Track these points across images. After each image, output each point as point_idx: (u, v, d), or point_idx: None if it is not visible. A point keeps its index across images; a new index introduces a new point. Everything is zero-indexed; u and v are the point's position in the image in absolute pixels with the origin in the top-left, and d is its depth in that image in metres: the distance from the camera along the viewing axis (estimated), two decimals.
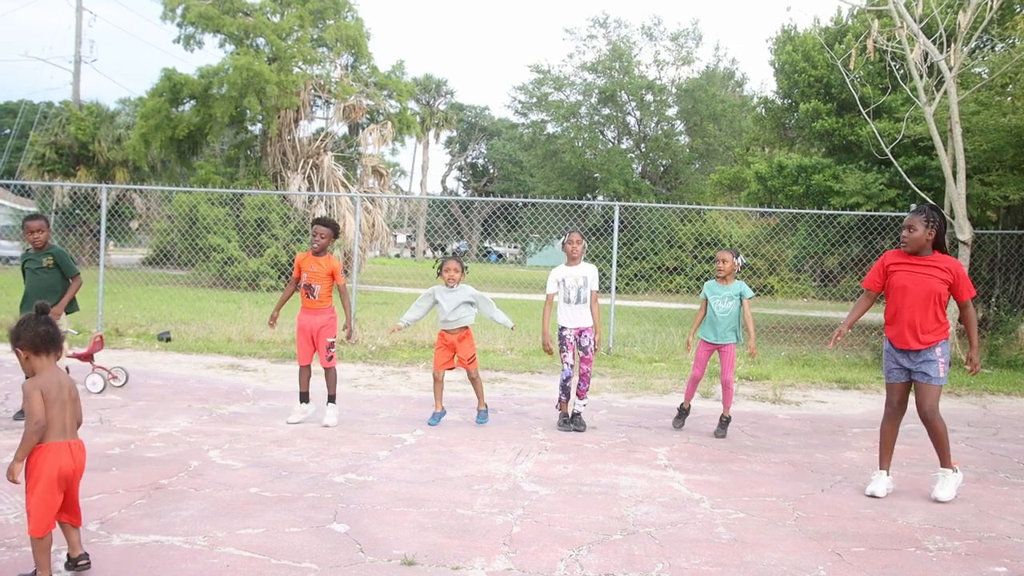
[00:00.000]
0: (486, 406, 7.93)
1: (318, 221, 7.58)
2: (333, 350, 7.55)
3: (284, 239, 24.90)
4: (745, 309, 7.67)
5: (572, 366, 7.69)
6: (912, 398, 5.95)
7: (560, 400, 7.79)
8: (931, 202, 13.30)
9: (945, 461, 5.86)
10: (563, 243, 7.87)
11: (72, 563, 4.00)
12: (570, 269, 7.70)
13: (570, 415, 7.75)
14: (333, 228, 7.60)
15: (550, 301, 7.82)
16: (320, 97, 28.96)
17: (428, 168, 63.79)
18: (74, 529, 4.01)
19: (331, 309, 7.57)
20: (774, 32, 20.75)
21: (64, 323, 7.57)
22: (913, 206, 12.86)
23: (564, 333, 7.68)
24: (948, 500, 5.74)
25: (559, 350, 7.75)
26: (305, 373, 7.54)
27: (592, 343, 7.69)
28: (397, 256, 64.12)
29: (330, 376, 7.55)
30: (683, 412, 7.93)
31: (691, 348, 7.80)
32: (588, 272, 7.70)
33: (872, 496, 5.81)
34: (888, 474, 5.97)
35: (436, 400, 7.83)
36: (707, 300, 7.71)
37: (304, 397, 7.56)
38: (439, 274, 7.90)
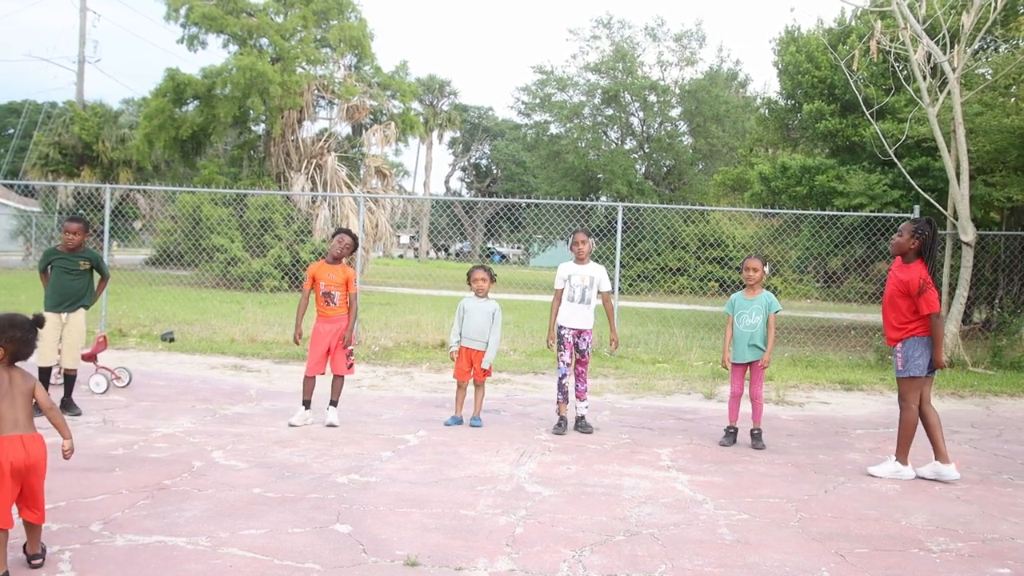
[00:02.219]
0: (480, 413, 7.92)
1: (343, 231, 7.68)
2: (352, 358, 7.66)
3: (288, 239, 24.91)
4: (770, 324, 7.30)
5: (568, 365, 7.68)
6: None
7: (558, 400, 7.78)
8: (937, 206, 13.32)
9: (899, 454, 6.39)
10: (570, 244, 7.84)
11: (27, 559, 3.99)
12: (578, 267, 7.69)
13: (573, 420, 7.73)
14: (355, 240, 7.72)
15: (559, 297, 7.74)
16: (323, 97, 28.97)
17: (431, 169, 63.79)
18: (35, 527, 4.00)
19: (348, 317, 7.62)
20: (777, 33, 20.75)
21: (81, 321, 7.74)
22: (917, 208, 12.88)
23: (563, 332, 7.66)
24: (879, 476, 6.31)
25: (557, 348, 7.74)
26: (311, 383, 7.57)
27: (589, 346, 7.67)
28: (400, 257, 64.14)
29: (339, 383, 7.61)
30: (730, 432, 7.46)
31: (728, 365, 7.45)
32: (596, 272, 7.67)
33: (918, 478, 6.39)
34: (941, 461, 6.38)
35: (457, 406, 7.87)
36: (732, 318, 7.44)
37: (308, 404, 7.59)
38: (469, 283, 7.91)
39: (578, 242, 7.70)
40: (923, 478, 6.35)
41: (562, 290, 7.70)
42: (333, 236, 7.70)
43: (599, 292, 7.70)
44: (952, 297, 13.03)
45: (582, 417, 7.68)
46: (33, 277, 25.25)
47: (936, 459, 6.38)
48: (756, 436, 7.36)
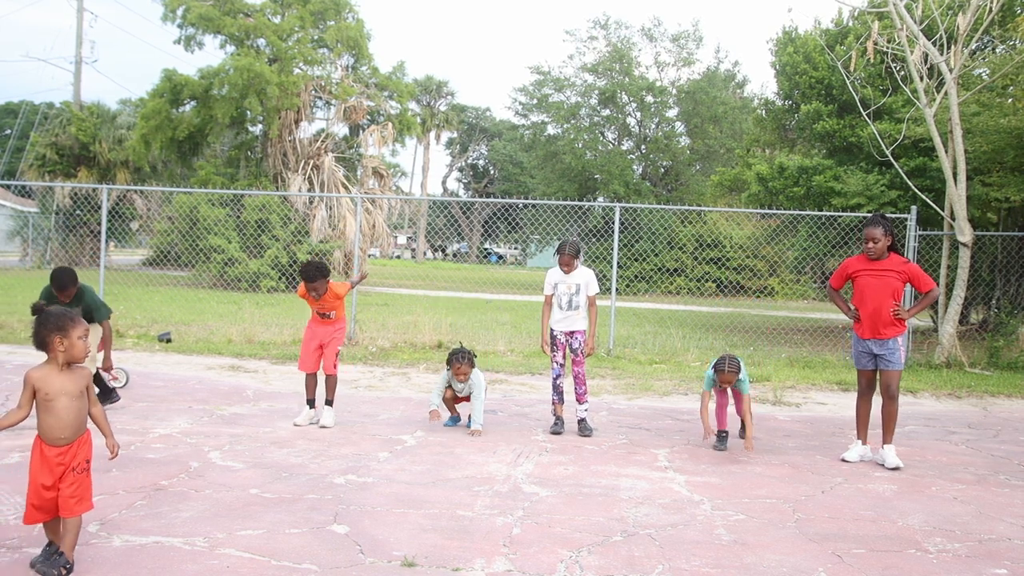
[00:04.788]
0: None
1: (308, 271, 7.29)
2: (337, 358, 7.66)
3: (285, 240, 24.91)
4: (745, 402, 7.05)
5: (562, 365, 7.67)
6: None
7: (553, 401, 7.76)
8: (934, 206, 13.35)
9: (890, 439, 6.85)
10: (556, 257, 7.69)
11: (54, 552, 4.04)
12: (564, 275, 7.61)
13: (574, 423, 7.71)
14: (324, 272, 7.37)
15: (548, 302, 7.70)
16: (321, 98, 28.97)
17: (429, 169, 63.76)
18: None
19: (342, 319, 7.68)
20: (775, 34, 20.75)
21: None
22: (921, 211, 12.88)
23: (555, 334, 7.66)
24: (897, 466, 6.64)
25: (551, 350, 7.73)
26: (312, 380, 7.60)
27: (582, 345, 7.61)
28: (398, 257, 64.12)
29: (332, 382, 7.60)
30: (722, 436, 7.31)
31: (708, 436, 7.03)
32: (582, 279, 7.56)
33: (843, 461, 6.84)
34: (864, 444, 6.98)
35: (450, 411, 7.85)
36: (708, 393, 7.22)
37: (312, 403, 7.58)
38: (448, 366, 7.61)
39: (563, 264, 7.52)
40: (847, 460, 6.88)
41: (551, 295, 7.67)
42: (303, 281, 7.31)
43: (588, 296, 7.61)
44: (949, 298, 13.04)
45: (583, 420, 7.63)
46: (30, 278, 25.24)
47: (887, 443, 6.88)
48: (742, 429, 7.34)
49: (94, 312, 7.45)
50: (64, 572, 3.87)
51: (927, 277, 6.82)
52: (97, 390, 7.51)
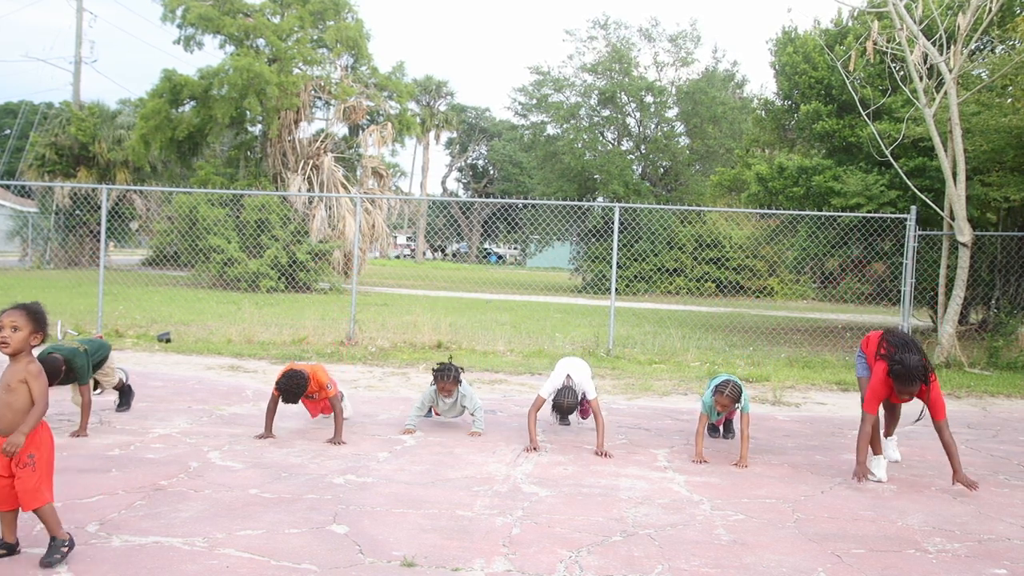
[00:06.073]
0: None
1: (289, 396, 6.78)
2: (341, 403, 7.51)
3: (284, 240, 24.90)
4: (743, 423, 6.79)
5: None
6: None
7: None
8: (934, 206, 13.32)
9: (892, 431, 6.92)
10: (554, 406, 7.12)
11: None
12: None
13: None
14: (303, 391, 6.81)
15: (538, 406, 7.06)
16: (320, 98, 28.97)
17: (428, 169, 63.75)
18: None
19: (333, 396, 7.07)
20: (774, 34, 20.77)
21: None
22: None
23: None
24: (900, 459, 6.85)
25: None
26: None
27: (586, 402, 7.18)
28: (397, 257, 64.11)
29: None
30: (713, 429, 7.68)
31: (700, 461, 6.68)
32: (581, 386, 7.09)
33: (880, 482, 6.30)
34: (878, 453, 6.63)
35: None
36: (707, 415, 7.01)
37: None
38: (434, 381, 7.40)
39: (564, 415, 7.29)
40: (883, 481, 6.37)
41: (544, 400, 7.08)
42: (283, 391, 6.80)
43: (587, 400, 7.13)
44: (948, 298, 13.04)
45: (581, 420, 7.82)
46: (29, 279, 25.24)
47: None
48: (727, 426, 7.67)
49: (78, 377, 6.74)
50: (65, 550, 4.04)
51: (941, 403, 6.23)
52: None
